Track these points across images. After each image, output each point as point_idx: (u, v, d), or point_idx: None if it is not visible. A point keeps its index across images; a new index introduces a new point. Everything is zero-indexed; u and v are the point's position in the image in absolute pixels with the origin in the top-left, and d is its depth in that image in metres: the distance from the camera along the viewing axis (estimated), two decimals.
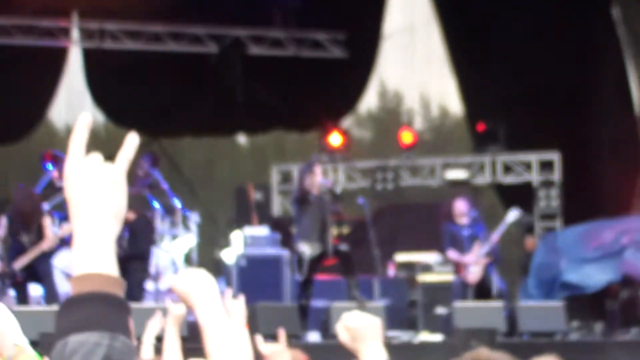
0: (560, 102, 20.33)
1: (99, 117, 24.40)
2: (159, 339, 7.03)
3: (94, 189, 2.32)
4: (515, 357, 6.30)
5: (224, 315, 3.58)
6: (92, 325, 2.21)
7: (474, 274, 16.95)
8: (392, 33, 23.83)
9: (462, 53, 22.38)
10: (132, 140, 2.37)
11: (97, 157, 2.35)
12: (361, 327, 3.82)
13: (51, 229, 16.51)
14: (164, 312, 7.34)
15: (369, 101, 25.17)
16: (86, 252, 2.30)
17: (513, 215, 17.98)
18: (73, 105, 23.73)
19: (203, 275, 3.56)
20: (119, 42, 21.97)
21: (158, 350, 7.49)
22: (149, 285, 17.96)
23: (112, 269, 2.29)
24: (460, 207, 17.37)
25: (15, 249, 15.79)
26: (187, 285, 3.57)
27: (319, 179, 16.60)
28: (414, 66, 24.71)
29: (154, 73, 22.08)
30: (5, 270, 16.06)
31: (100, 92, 23.09)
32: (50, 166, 18.84)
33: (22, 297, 15.88)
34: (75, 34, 22.17)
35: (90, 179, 2.31)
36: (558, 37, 20.11)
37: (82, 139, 2.31)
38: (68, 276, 16.41)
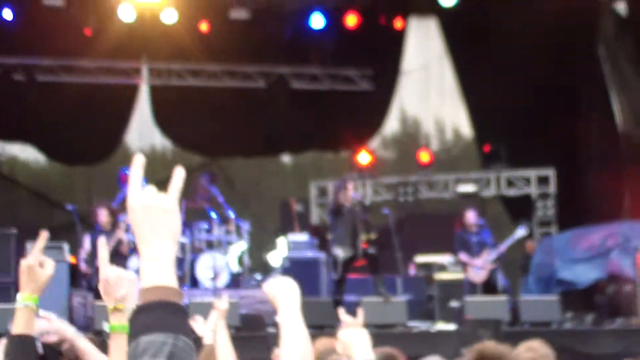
0: (554, 126, 20.26)
1: (166, 143, 24.71)
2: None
3: (152, 217, 2.52)
4: (517, 343, 6.49)
5: (299, 317, 3.79)
6: (158, 328, 2.40)
7: (479, 275, 17.17)
8: (410, 69, 23.86)
9: (470, 85, 22.45)
10: (179, 174, 2.57)
11: (152, 189, 2.54)
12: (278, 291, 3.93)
13: (126, 235, 16.70)
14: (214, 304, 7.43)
15: (392, 126, 25.16)
16: (151, 269, 2.50)
17: (520, 232, 18.05)
18: (144, 132, 23.91)
19: (288, 283, 3.86)
20: (183, 79, 22.12)
21: None
22: (208, 283, 17.93)
23: (172, 281, 2.49)
24: (470, 216, 17.48)
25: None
26: (275, 289, 3.83)
27: (350, 193, 16.68)
28: (429, 97, 24.52)
29: (212, 104, 22.01)
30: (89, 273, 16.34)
31: (167, 121, 23.27)
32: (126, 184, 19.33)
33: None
34: (145, 73, 22.30)
35: (148, 209, 2.51)
36: (551, 72, 20.04)
37: (138, 175, 2.54)
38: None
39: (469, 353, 3.86)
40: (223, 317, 6.66)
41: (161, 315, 2.42)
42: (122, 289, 4.00)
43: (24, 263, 4.27)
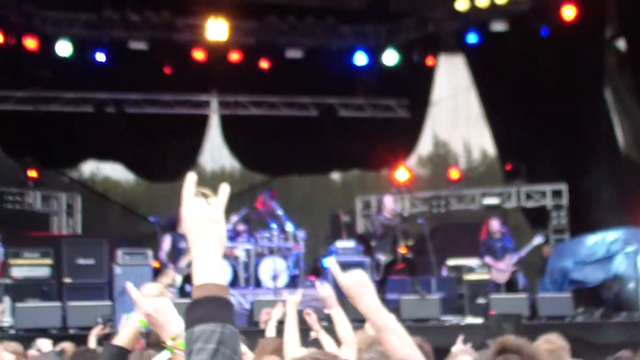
0: (566, 148, 20.14)
1: (234, 163, 24.74)
2: (281, 322, 7.13)
3: (202, 227, 2.61)
4: (536, 334, 6.72)
5: (377, 304, 3.79)
6: (209, 318, 2.48)
7: (502, 276, 17.06)
8: (440, 99, 23.98)
9: (492, 112, 22.34)
10: (225, 189, 2.71)
11: (202, 202, 2.66)
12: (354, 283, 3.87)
13: None
14: (284, 302, 7.55)
15: (425, 148, 25.03)
16: (202, 269, 2.58)
17: (537, 240, 17.86)
18: (215, 154, 24.27)
19: (362, 275, 3.81)
20: (247, 109, 22.15)
21: (279, 331, 7.55)
22: (269, 284, 18.01)
23: (219, 279, 2.57)
24: (494, 225, 17.36)
25: (178, 252, 16.24)
26: (349, 282, 3.78)
27: (391, 206, 16.79)
28: (458, 122, 24.52)
29: (272, 130, 22.16)
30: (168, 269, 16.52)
31: (234, 145, 23.53)
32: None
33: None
34: (215, 104, 22.54)
35: (199, 219, 2.62)
36: (563, 100, 19.76)
37: (191, 191, 2.68)
38: None
39: (492, 345, 3.68)
40: (295, 308, 6.71)
41: (211, 308, 2.49)
42: (165, 318, 3.95)
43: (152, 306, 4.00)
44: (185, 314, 2.54)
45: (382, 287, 16.07)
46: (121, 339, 4.46)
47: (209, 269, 2.57)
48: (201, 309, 2.50)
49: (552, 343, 6.35)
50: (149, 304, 3.95)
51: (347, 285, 3.78)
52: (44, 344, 9.06)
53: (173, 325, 3.86)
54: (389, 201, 17.05)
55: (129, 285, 4.30)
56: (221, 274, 2.57)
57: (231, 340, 2.46)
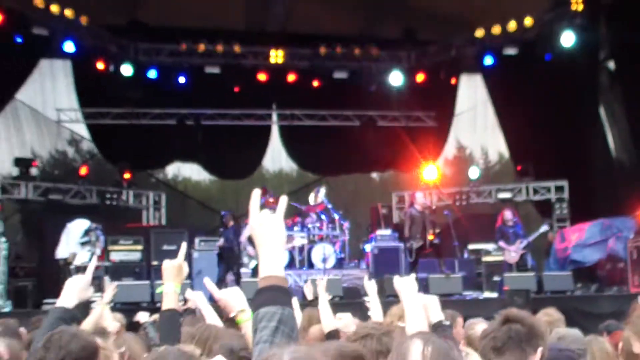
0: (567, 151, 19.92)
1: (292, 165, 24.60)
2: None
3: (266, 231, 2.66)
4: (542, 306, 7.13)
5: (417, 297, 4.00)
6: (271, 302, 2.55)
7: (513, 257, 17.04)
8: (462, 110, 23.85)
9: (505, 121, 22.17)
10: (283, 201, 2.80)
11: (266, 212, 2.70)
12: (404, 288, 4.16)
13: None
14: (313, 282, 7.76)
15: (450, 151, 24.82)
16: (266, 264, 2.64)
17: (544, 228, 18.11)
18: (275, 157, 24.21)
19: (411, 281, 4.10)
20: (301, 121, 22.23)
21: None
22: (320, 266, 18.09)
23: (280, 272, 2.64)
24: (507, 214, 17.36)
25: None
26: (402, 286, 4.08)
27: (421, 200, 16.98)
28: (476, 130, 24.30)
29: (322, 138, 22.07)
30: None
31: (291, 149, 23.56)
32: (263, 196, 19.84)
33: None
34: (275, 117, 22.68)
35: (263, 226, 2.68)
36: (564, 111, 19.68)
37: (256, 203, 2.71)
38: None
39: (498, 316, 3.65)
40: (324, 288, 6.64)
41: (273, 294, 2.56)
42: (233, 303, 4.15)
43: (173, 263, 4.41)
44: (252, 300, 2.63)
45: (413, 267, 16.33)
46: (168, 304, 4.43)
47: (272, 264, 2.64)
48: (265, 295, 2.58)
49: (550, 315, 6.48)
50: (219, 292, 4.16)
51: (399, 288, 4.11)
52: (142, 316, 9.53)
53: (236, 306, 4.05)
54: (419, 196, 17.27)
55: (207, 280, 4.48)
56: (282, 268, 2.66)
57: (290, 321, 2.53)
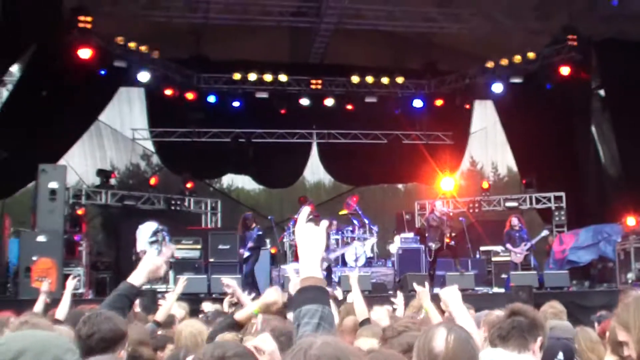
0: (566, 166, 19.86)
1: (328, 177, 24.61)
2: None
3: (307, 239, 2.57)
4: (543, 300, 7.10)
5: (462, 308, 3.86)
6: (312, 301, 2.42)
7: (519, 258, 17.02)
8: (475, 130, 23.88)
9: (513, 140, 22.24)
10: (324, 223, 2.67)
11: (310, 224, 2.59)
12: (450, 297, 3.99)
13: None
14: (347, 277, 7.57)
15: (465, 166, 24.64)
16: (307, 267, 2.52)
17: (544, 232, 18.11)
18: (314, 170, 24.20)
19: (456, 291, 3.99)
20: (337, 139, 22.08)
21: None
22: (352, 263, 17.96)
23: (319, 274, 2.51)
24: (514, 221, 17.27)
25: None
26: (448, 296, 3.98)
27: (440, 208, 16.93)
28: (488, 148, 24.27)
29: (355, 153, 21.93)
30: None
31: (328, 163, 23.52)
32: (302, 203, 19.52)
33: None
34: (314, 135, 22.51)
35: (307, 235, 2.58)
36: (563, 131, 19.67)
37: (304, 217, 2.63)
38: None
39: (505, 310, 3.65)
40: (357, 281, 6.36)
41: (314, 294, 2.44)
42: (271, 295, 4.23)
43: (155, 260, 4.07)
44: (295, 298, 2.50)
45: (432, 266, 16.38)
46: (239, 315, 4.45)
47: (311, 267, 2.52)
48: (306, 294, 2.45)
49: (554, 308, 6.41)
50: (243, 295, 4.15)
51: (446, 298, 3.98)
52: (207, 306, 9.34)
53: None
54: (439, 204, 17.26)
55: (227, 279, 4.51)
56: (320, 271, 2.54)
57: (329, 318, 2.42)
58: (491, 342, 3.57)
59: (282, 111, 21.22)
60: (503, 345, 3.51)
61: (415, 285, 5.06)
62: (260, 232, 16.94)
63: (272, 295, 4.44)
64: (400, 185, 26.63)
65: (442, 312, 5.61)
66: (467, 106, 22.45)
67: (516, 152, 22.62)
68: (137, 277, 4.01)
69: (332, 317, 2.43)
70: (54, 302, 8.07)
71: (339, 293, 7.67)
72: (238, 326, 4.37)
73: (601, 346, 4.87)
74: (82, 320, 3.53)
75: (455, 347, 2.73)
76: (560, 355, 4.53)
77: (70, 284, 7.18)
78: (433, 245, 16.36)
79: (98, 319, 3.54)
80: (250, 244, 16.38)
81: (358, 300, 6.04)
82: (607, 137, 20.48)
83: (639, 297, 2.83)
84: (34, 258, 14.16)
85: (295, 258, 18.54)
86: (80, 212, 18.01)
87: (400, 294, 6.59)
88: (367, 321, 5.68)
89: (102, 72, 17.42)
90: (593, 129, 20.80)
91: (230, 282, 5.80)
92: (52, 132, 17.23)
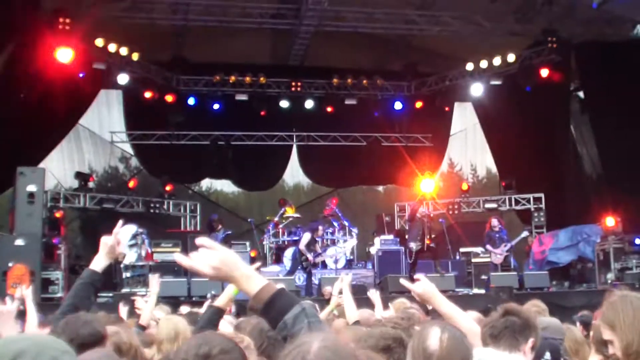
0: (545, 169, 19.99)
1: (307, 180, 24.64)
2: (340, 293, 6.60)
3: (224, 263, 2.39)
4: (524, 301, 6.57)
5: (444, 301, 3.87)
6: (288, 306, 2.29)
7: (499, 259, 17.14)
8: (455, 132, 23.98)
9: (492, 142, 22.41)
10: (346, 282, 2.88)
11: (213, 252, 2.37)
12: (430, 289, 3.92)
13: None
14: (341, 279, 7.67)
15: (444, 168, 24.73)
16: (249, 283, 2.36)
17: (524, 234, 18.24)
18: (294, 173, 24.23)
19: (430, 284, 3.94)
20: (316, 141, 22.20)
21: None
22: (332, 265, 18.11)
23: (265, 281, 2.36)
24: (494, 222, 17.47)
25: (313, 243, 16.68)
26: (425, 288, 3.92)
27: (419, 209, 16.99)
28: (467, 149, 24.46)
29: (334, 155, 21.99)
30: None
31: (307, 166, 23.60)
32: (282, 206, 19.81)
33: None
34: (294, 138, 22.58)
35: (221, 260, 2.39)
36: (542, 133, 19.82)
37: (207, 250, 2.41)
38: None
39: (499, 309, 3.58)
40: (348, 283, 6.36)
41: (282, 300, 2.30)
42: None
43: (107, 240, 3.99)
44: (266, 314, 2.32)
45: (413, 267, 16.30)
46: (220, 302, 4.35)
47: (253, 280, 2.36)
48: (276, 304, 2.30)
49: (537, 306, 6.37)
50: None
51: (422, 292, 3.91)
52: (185, 310, 9.09)
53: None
54: (418, 205, 17.28)
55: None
56: (263, 278, 2.38)
57: (313, 310, 2.34)
58: (483, 340, 3.55)
59: (262, 113, 21.16)
60: (494, 344, 3.49)
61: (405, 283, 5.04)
62: (227, 233, 17.02)
63: None
64: (379, 187, 26.66)
65: (427, 312, 5.79)
66: (447, 108, 22.54)
67: (495, 154, 22.71)
68: (97, 263, 3.99)
69: (313, 308, 2.35)
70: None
71: (335, 289, 7.41)
72: (221, 312, 4.32)
73: (586, 346, 4.88)
74: (60, 325, 3.46)
75: (449, 346, 2.74)
76: (547, 355, 4.53)
77: (27, 292, 7.13)
78: (414, 246, 16.32)
79: (77, 324, 3.48)
80: None
81: (349, 303, 6.04)
82: (586, 138, 20.65)
83: (624, 296, 2.85)
84: (10, 264, 14.04)
85: (275, 261, 18.70)
86: (58, 215, 17.92)
87: (373, 290, 6.58)
88: (357, 324, 5.69)
89: (81, 75, 17.27)
90: (572, 131, 20.94)
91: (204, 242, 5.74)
92: (30, 135, 17.09)
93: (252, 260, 17.77)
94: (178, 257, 2.47)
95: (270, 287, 2.32)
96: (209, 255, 2.38)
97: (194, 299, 13.99)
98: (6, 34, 15.06)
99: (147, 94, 19.63)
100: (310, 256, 16.25)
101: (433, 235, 16.91)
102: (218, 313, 4.29)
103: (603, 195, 18.99)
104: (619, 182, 18.04)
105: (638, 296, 2.86)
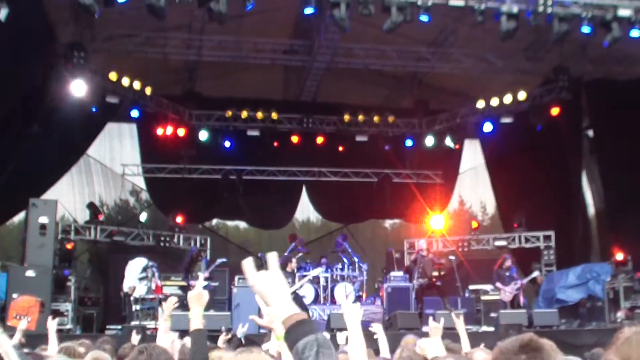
0: (554, 206, 19.96)
1: (317, 215, 24.60)
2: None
3: (267, 286, 2.45)
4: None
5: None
6: (305, 334, 2.33)
7: (508, 297, 17.08)
8: (465, 170, 23.97)
9: (499, 179, 22.39)
10: (247, 263, 2.56)
11: (261, 272, 2.47)
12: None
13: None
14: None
15: (454, 205, 24.62)
16: (281, 308, 2.41)
17: (535, 273, 18.15)
18: (304, 209, 24.17)
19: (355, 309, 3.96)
20: (327, 177, 22.02)
21: None
22: (342, 302, 18.37)
23: (296, 309, 2.40)
24: (507, 260, 17.43)
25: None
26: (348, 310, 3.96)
27: (423, 244, 17.09)
28: (478, 187, 24.34)
29: (344, 191, 22.05)
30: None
31: (317, 202, 23.61)
32: (292, 241, 19.77)
33: None
34: (305, 173, 22.37)
35: (263, 282, 2.45)
36: (553, 174, 19.84)
37: (249, 269, 2.52)
38: None
39: (519, 338, 3.11)
40: (358, 318, 6.46)
41: (302, 328, 2.37)
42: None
43: (193, 293, 4.50)
44: (286, 339, 2.41)
45: (419, 304, 16.50)
46: (195, 325, 4.51)
47: (285, 307, 2.42)
48: (296, 331, 2.37)
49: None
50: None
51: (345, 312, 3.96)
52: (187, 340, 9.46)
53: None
54: (421, 242, 17.65)
55: (255, 317, 4.35)
56: (295, 307, 2.44)
57: (326, 342, 2.37)
58: None
59: (273, 148, 21.31)
60: None
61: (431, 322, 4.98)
62: (222, 261, 17.43)
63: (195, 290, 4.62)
64: (389, 223, 26.61)
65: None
66: (457, 146, 22.47)
67: (499, 192, 22.79)
68: (195, 322, 4.42)
69: (328, 341, 2.37)
70: (35, 338, 7.97)
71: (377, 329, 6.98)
72: (202, 331, 4.51)
73: None
74: (137, 349, 3.62)
75: None
76: None
77: (52, 324, 7.20)
78: (416, 284, 16.57)
79: (156, 350, 3.66)
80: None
81: (358, 340, 5.94)
82: (595, 178, 20.66)
83: (639, 332, 2.79)
84: (14, 296, 14.07)
85: None
86: (69, 246, 17.98)
87: (377, 325, 6.51)
88: None
89: (94, 109, 17.46)
90: (583, 170, 20.91)
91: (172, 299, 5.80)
92: (40, 166, 17.24)
93: None
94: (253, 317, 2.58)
95: (296, 315, 2.41)
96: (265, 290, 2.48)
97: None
98: (23, 66, 15.26)
99: (160, 130, 19.87)
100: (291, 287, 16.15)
101: (442, 273, 17.08)
102: (203, 333, 4.48)
103: (611, 234, 18.91)
104: (626, 221, 17.96)
105: None
